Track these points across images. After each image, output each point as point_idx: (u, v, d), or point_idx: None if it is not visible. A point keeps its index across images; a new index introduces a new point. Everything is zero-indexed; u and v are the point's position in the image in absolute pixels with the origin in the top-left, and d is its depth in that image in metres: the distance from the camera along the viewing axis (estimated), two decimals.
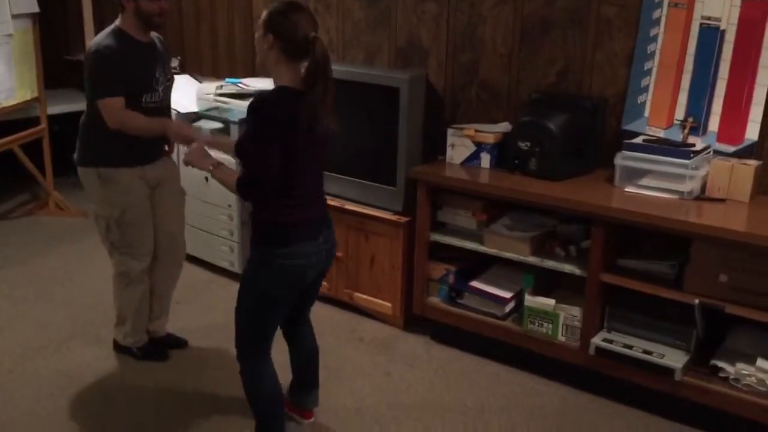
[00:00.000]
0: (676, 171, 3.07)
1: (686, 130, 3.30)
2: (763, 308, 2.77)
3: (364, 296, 3.93)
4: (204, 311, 4.02)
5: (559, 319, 3.28)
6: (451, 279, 3.61)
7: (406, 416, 3.13)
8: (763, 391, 2.84)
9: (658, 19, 3.32)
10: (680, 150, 3.10)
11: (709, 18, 3.21)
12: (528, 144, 3.35)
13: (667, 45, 3.32)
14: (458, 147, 3.61)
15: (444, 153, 3.66)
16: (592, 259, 3.10)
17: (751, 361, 2.90)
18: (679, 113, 3.33)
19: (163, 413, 3.13)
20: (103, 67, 3.04)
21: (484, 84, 3.85)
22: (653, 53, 3.36)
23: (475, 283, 3.53)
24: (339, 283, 3.95)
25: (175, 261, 3.55)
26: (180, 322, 3.86)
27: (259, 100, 2.42)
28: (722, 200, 3.06)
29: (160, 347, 3.55)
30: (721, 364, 2.96)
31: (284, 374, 2.87)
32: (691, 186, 3.06)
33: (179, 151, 4.16)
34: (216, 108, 4.23)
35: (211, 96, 4.30)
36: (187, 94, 4.41)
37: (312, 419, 3.04)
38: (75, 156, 3.28)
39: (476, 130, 3.56)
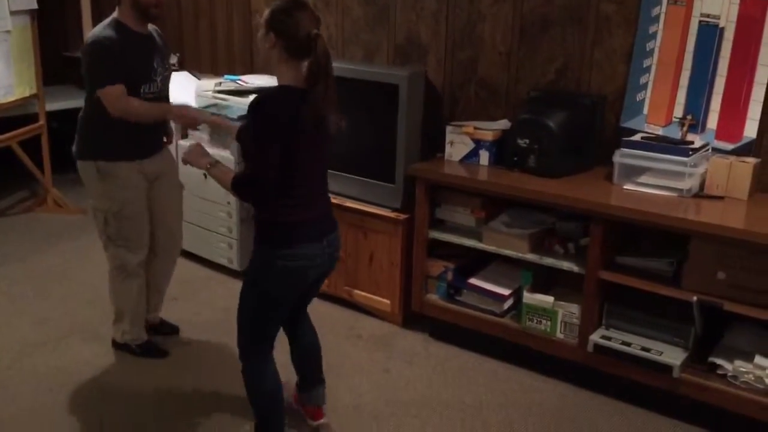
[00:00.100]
0: (675, 168, 3.07)
1: (685, 128, 3.30)
2: (761, 305, 2.78)
3: (363, 293, 3.94)
4: (202, 308, 4.02)
5: (557, 316, 3.28)
6: (449, 276, 3.61)
7: (404, 413, 3.13)
8: (761, 388, 2.85)
9: (658, 17, 3.32)
10: (679, 147, 3.10)
11: (708, 15, 3.21)
12: (527, 141, 3.36)
13: (666, 42, 3.32)
14: (457, 144, 3.61)
15: (443, 150, 3.66)
16: (590, 256, 3.10)
17: (749, 358, 2.91)
18: (678, 111, 3.33)
19: (162, 410, 3.13)
20: (102, 57, 3.04)
21: (483, 81, 3.85)
22: (652, 50, 3.36)
23: (473, 281, 3.53)
24: (338, 280, 3.95)
25: (173, 255, 3.60)
26: (178, 319, 3.86)
27: (260, 98, 2.40)
28: (721, 198, 3.06)
29: (159, 347, 3.55)
30: (719, 361, 2.96)
31: (285, 373, 2.86)
32: (689, 183, 3.06)
33: (177, 148, 4.17)
34: (215, 105, 4.23)
35: (210, 93, 4.30)
36: (185, 90, 4.41)
37: (322, 420, 2.98)
38: (74, 149, 3.29)
39: (475, 128, 3.56)
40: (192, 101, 4.36)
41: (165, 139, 3.49)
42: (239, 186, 2.47)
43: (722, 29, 3.18)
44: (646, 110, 3.41)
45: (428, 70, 3.94)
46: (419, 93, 3.64)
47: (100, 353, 3.54)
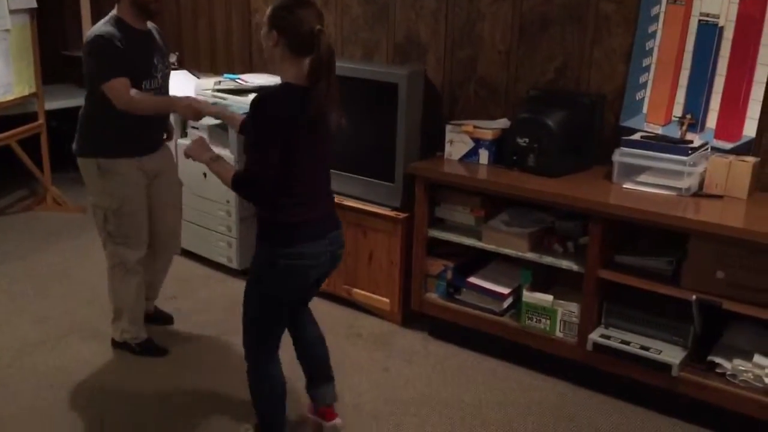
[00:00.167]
0: (674, 167, 3.07)
1: (684, 127, 3.31)
2: (760, 304, 2.78)
3: (362, 292, 3.94)
4: (202, 306, 4.02)
5: (556, 315, 3.28)
6: (449, 275, 3.61)
7: (403, 412, 3.14)
8: (760, 386, 2.85)
9: (657, 16, 3.33)
10: (678, 147, 3.10)
11: (707, 15, 3.21)
12: (526, 140, 3.36)
13: (665, 41, 3.33)
14: (456, 143, 3.61)
15: (442, 149, 3.67)
16: (589, 255, 3.11)
17: (748, 357, 2.91)
18: (678, 110, 3.34)
19: (162, 409, 3.13)
20: (105, 52, 3.05)
21: (483, 80, 3.85)
22: (651, 50, 3.36)
23: (473, 279, 3.54)
24: (337, 279, 3.96)
25: (171, 252, 3.65)
26: (178, 318, 3.87)
27: (261, 97, 2.38)
28: (720, 197, 3.06)
29: (159, 345, 3.55)
30: (718, 360, 2.96)
31: (290, 373, 2.86)
32: (688, 182, 3.07)
33: (176, 146, 4.17)
34: (214, 104, 4.22)
35: (210, 92, 4.30)
36: (185, 89, 4.41)
37: (335, 420, 2.91)
38: (74, 146, 3.30)
39: (474, 126, 3.56)
40: None
41: (165, 137, 3.50)
42: (239, 184, 2.45)
43: (721, 28, 3.18)
44: (645, 109, 3.41)
45: (428, 69, 3.94)
46: (419, 92, 3.64)
47: (99, 352, 3.54)
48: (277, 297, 2.55)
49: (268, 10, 2.42)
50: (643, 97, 3.41)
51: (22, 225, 5.15)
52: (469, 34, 3.84)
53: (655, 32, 3.35)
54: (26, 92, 5.12)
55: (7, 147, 5.12)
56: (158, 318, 3.76)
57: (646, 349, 3.05)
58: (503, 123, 3.62)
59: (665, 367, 2.98)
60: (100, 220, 3.32)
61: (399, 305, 3.81)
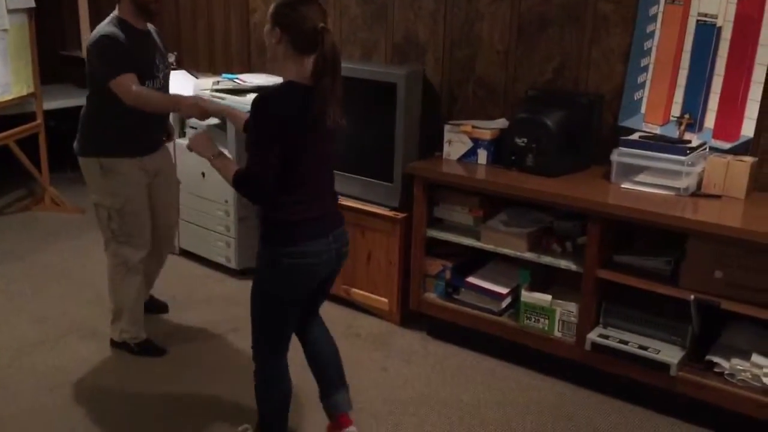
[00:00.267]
0: (673, 167, 3.08)
1: (682, 127, 3.31)
2: (758, 304, 2.78)
3: (361, 292, 3.94)
4: (200, 307, 4.02)
5: (555, 314, 3.29)
6: (447, 275, 3.61)
7: (402, 411, 3.14)
8: (758, 386, 2.86)
9: (655, 16, 3.33)
10: (676, 146, 3.11)
11: (705, 15, 3.22)
12: (525, 140, 3.36)
13: (663, 41, 3.33)
14: (455, 143, 3.61)
15: (441, 149, 3.67)
16: (588, 255, 3.11)
17: (746, 356, 2.91)
18: (676, 110, 3.34)
19: (160, 408, 3.13)
20: (111, 50, 3.09)
21: (481, 80, 3.86)
22: (650, 50, 3.37)
23: (471, 279, 3.54)
24: (336, 279, 3.95)
25: (168, 250, 3.72)
26: (176, 317, 3.88)
27: (263, 95, 2.37)
28: (718, 197, 3.07)
29: (157, 345, 3.55)
30: (716, 359, 2.97)
31: (296, 376, 2.86)
32: (687, 182, 3.07)
33: (175, 146, 4.17)
34: (207, 99, 4.22)
35: (208, 92, 4.30)
36: (183, 89, 4.41)
37: (351, 427, 2.82)
38: (75, 146, 3.33)
39: (473, 126, 3.57)
40: None
41: (165, 138, 3.54)
42: (239, 183, 2.43)
43: (719, 28, 3.19)
44: (643, 109, 3.42)
45: (426, 69, 3.94)
46: (417, 92, 3.65)
47: (98, 352, 3.54)
48: (281, 296, 2.52)
49: (271, 7, 2.40)
50: (642, 97, 3.42)
51: (20, 225, 5.14)
52: (468, 35, 3.85)
53: (653, 32, 3.35)
54: (24, 92, 5.12)
55: (5, 147, 5.12)
56: (153, 307, 3.79)
57: (645, 348, 3.05)
58: (502, 123, 3.62)
59: (663, 366, 2.98)
60: (103, 219, 3.34)
61: (397, 305, 3.81)
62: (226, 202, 4.26)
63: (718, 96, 3.22)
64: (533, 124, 3.34)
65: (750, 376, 2.87)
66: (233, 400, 3.14)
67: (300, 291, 2.55)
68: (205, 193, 4.35)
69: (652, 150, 3.12)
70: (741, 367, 2.89)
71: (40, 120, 5.27)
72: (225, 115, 3.17)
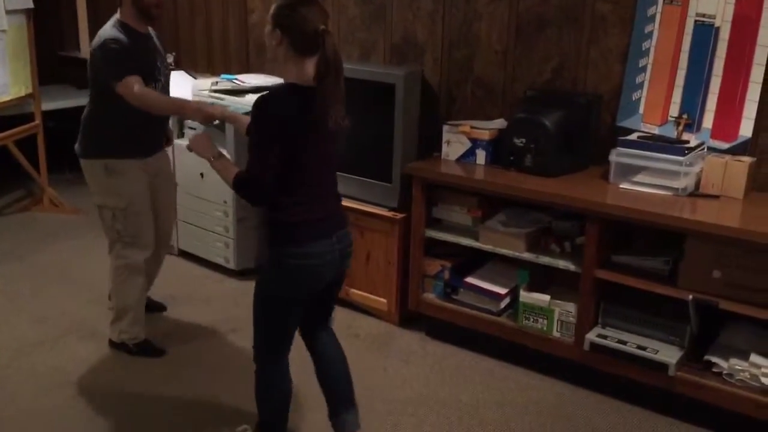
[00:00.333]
0: (671, 168, 3.08)
1: (680, 127, 3.32)
2: (756, 304, 2.79)
3: (360, 292, 3.94)
4: (199, 307, 4.02)
5: (553, 315, 3.29)
6: (446, 275, 3.62)
7: (401, 411, 3.14)
8: (756, 386, 2.86)
9: (653, 16, 3.34)
10: (675, 147, 3.11)
11: (703, 15, 3.22)
12: (523, 140, 3.36)
13: (661, 42, 3.33)
14: (453, 143, 3.61)
15: (439, 149, 3.67)
16: (586, 255, 3.11)
17: (744, 356, 2.92)
18: (674, 110, 3.34)
19: (160, 409, 3.13)
20: (116, 53, 3.11)
21: (480, 81, 3.86)
22: (648, 50, 3.37)
23: (470, 279, 3.54)
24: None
25: (166, 249, 3.76)
26: (175, 318, 3.88)
27: (264, 97, 2.36)
28: (716, 197, 3.07)
29: (156, 346, 3.55)
30: (714, 359, 2.97)
31: (296, 377, 2.85)
32: (685, 182, 3.07)
33: (173, 148, 4.17)
34: (211, 104, 4.22)
35: (207, 92, 4.30)
36: (182, 90, 4.41)
37: None
38: (77, 149, 3.35)
39: (472, 127, 3.57)
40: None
41: (164, 142, 3.60)
42: (239, 185, 2.43)
43: (717, 29, 3.19)
44: (641, 109, 3.42)
45: (425, 69, 3.94)
46: (416, 92, 3.65)
47: (97, 352, 3.54)
48: (285, 297, 2.52)
49: (272, 8, 2.39)
50: (640, 98, 3.42)
51: (19, 226, 5.14)
52: (466, 35, 3.85)
53: (651, 32, 3.35)
54: (23, 93, 5.12)
55: (3, 148, 5.11)
56: (152, 307, 3.80)
57: (643, 348, 3.06)
58: (500, 123, 3.62)
59: (662, 366, 2.99)
60: (108, 220, 3.36)
61: (396, 305, 3.81)
62: (225, 202, 4.26)
63: (716, 96, 3.23)
64: (532, 124, 3.34)
65: (748, 376, 2.88)
66: (232, 401, 3.14)
67: (303, 292, 2.54)
68: (203, 194, 4.35)
69: (650, 150, 3.13)
70: (739, 367, 2.90)
71: (38, 121, 5.26)
72: (228, 119, 3.17)
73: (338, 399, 2.77)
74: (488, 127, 3.57)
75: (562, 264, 3.24)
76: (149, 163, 3.39)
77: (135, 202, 3.32)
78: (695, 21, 3.24)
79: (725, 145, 3.21)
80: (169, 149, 3.70)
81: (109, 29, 3.17)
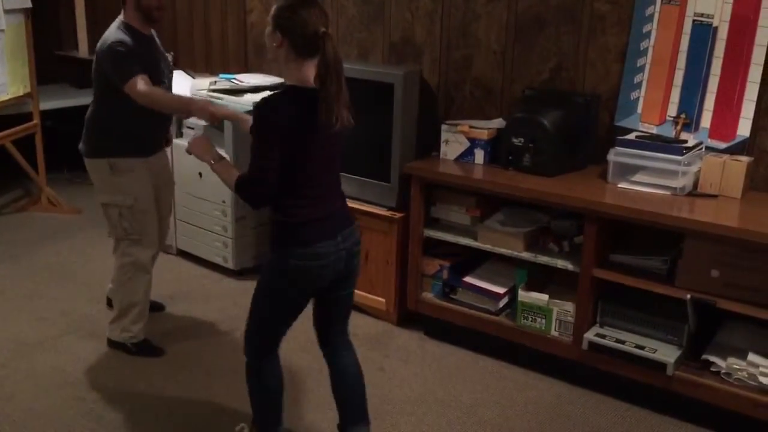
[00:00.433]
0: (669, 167, 3.08)
1: (679, 127, 3.32)
2: (754, 303, 2.79)
3: (358, 292, 3.91)
4: (197, 307, 4.02)
5: (552, 314, 3.29)
6: (444, 274, 3.62)
7: (399, 411, 3.14)
8: (754, 385, 2.87)
9: (651, 16, 3.34)
10: (673, 146, 3.11)
11: (701, 15, 3.23)
12: (521, 140, 3.37)
13: (660, 41, 3.34)
14: (452, 143, 3.62)
15: (438, 149, 3.67)
16: (585, 254, 3.12)
17: (742, 355, 2.92)
18: (672, 110, 3.35)
19: (159, 409, 3.13)
20: (122, 55, 3.14)
21: (478, 80, 3.86)
22: (646, 50, 3.38)
23: (468, 279, 3.55)
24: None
25: (163, 245, 3.78)
26: (174, 317, 3.88)
27: (264, 100, 2.36)
28: (714, 196, 3.08)
29: (155, 346, 3.55)
30: (712, 358, 2.98)
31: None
32: (683, 182, 3.08)
33: (172, 145, 4.17)
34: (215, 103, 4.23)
35: (205, 92, 4.30)
36: (180, 89, 4.40)
37: None
38: (82, 148, 3.39)
39: (470, 126, 3.57)
40: None
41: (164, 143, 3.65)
42: (241, 188, 2.44)
43: (716, 29, 3.20)
44: (640, 109, 3.43)
45: (423, 69, 3.94)
46: (414, 91, 3.65)
47: (96, 352, 3.54)
48: (288, 297, 2.53)
49: (272, 9, 2.39)
50: (638, 97, 3.43)
51: (17, 225, 5.13)
52: (465, 35, 3.85)
53: (649, 32, 3.36)
54: (21, 92, 5.11)
55: (1, 147, 5.10)
56: (151, 307, 3.78)
57: (641, 348, 3.06)
58: (499, 123, 3.62)
59: (660, 365, 2.99)
60: (114, 218, 3.38)
61: (395, 305, 3.81)
62: (224, 202, 4.26)
63: (714, 96, 3.24)
64: (530, 123, 3.35)
65: (746, 375, 2.88)
66: (231, 400, 3.15)
67: (305, 292, 2.55)
68: (202, 194, 4.35)
69: (648, 150, 3.13)
70: (737, 366, 2.90)
71: (36, 120, 5.25)
72: (233, 119, 3.20)
73: (350, 413, 2.75)
74: (487, 127, 3.57)
75: (560, 263, 3.25)
76: (152, 162, 3.44)
77: (141, 200, 3.36)
78: (693, 21, 3.25)
79: (723, 145, 3.22)
80: (167, 149, 3.73)
81: (114, 31, 3.20)
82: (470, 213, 3.56)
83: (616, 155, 3.20)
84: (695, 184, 3.12)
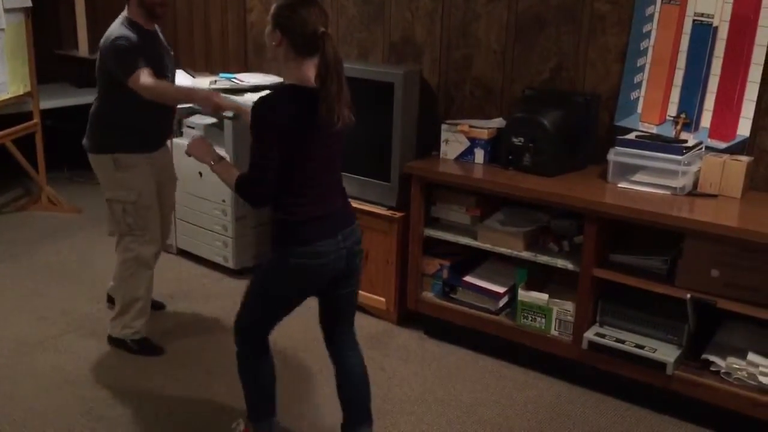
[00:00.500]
0: (669, 167, 3.09)
1: (679, 127, 3.32)
2: (754, 303, 2.80)
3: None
4: (198, 306, 4.03)
5: (552, 313, 3.30)
6: (444, 274, 3.62)
7: (399, 410, 3.14)
8: (754, 384, 2.87)
9: (652, 16, 3.34)
10: (673, 146, 3.12)
11: (702, 15, 3.23)
12: (521, 140, 3.37)
13: (660, 41, 3.34)
14: (452, 142, 3.62)
15: (438, 149, 3.68)
16: (584, 254, 3.12)
17: (742, 355, 2.93)
18: (672, 109, 3.35)
19: (159, 407, 3.13)
20: (125, 50, 3.16)
21: (478, 80, 3.86)
22: (646, 50, 3.38)
23: (468, 278, 3.55)
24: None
25: (164, 243, 3.78)
26: (174, 316, 3.88)
27: (263, 99, 2.36)
28: (714, 196, 3.08)
29: (155, 344, 3.56)
30: (712, 358, 2.98)
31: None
32: (683, 182, 3.08)
33: (172, 144, 4.18)
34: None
35: None
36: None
37: None
38: (86, 144, 3.40)
39: (470, 126, 3.57)
40: None
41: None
42: (241, 187, 2.44)
43: (716, 28, 3.20)
44: (640, 109, 3.43)
45: (423, 68, 3.95)
46: (414, 91, 3.65)
47: (97, 350, 3.54)
48: (284, 295, 2.54)
49: (272, 8, 2.39)
50: (638, 97, 3.43)
51: (18, 224, 5.14)
52: (465, 34, 3.86)
53: (649, 32, 3.36)
54: (21, 91, 5.11)
55: (2, 146, 5.11)
56: (151, 306, 3.79)
57: (641, 347, 3.07)
58: (499, 122, 3.63)
59: (660, 365, 3.00)
60: (118, 214, 3.39)
61: (395, 304, 3.82)
62: (224, 201, 4.26)
63: (714, 96, 3.24)
64: (530, 123, 3.35)
65: (746, 375, 2.89)
66: (231, 399, 3.15)
67: (304, 290, 2.56)
68: (202, 193, 4.35)
69: (648, 149, 3.14)
70: (737, 366, 2.90)
71: (36, 119, 5.25)
72: (237, 111, 3.24)
73: (355, 413, 2.75)
74: (487, 127, 3.57)
75: (560, 263, 3.25)
76: (155, 157, 3.45)
77: (144, 196, 3.37)
78: (693, 20, 3.25)
79: (723, 145, 3.22)
80: (168, 144, 3.71)
81: (118, 27, 3.22)
82: (470, 212, 3.56)
83: (616, 155, 3.20)
84: (695, 184, 3.13)
